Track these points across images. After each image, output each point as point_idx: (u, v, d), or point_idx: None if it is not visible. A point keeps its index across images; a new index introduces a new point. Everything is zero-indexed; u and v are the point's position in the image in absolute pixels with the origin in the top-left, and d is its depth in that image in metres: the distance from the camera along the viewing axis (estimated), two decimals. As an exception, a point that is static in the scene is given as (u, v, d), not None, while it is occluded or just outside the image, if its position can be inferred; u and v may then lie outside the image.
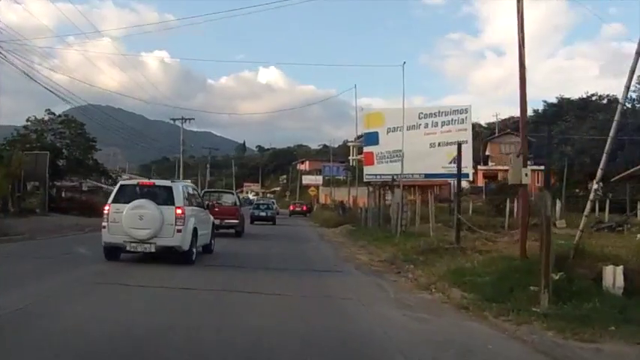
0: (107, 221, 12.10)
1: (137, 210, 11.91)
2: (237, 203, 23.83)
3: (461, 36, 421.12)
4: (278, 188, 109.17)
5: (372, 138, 29.74)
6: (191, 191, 14.25)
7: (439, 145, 29.17)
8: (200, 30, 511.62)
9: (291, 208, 57.62)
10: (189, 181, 78.74)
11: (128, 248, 12.07)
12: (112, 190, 13.75)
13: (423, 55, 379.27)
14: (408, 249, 14.16)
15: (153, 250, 11.97)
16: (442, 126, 29.28)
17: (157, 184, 13.34)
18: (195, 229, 12.83)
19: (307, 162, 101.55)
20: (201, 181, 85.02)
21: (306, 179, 76.39)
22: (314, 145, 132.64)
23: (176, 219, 12.04)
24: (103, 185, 53.77)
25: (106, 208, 12.36)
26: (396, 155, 29.44)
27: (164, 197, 12.35)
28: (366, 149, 30.18)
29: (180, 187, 13.05)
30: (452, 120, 29.40)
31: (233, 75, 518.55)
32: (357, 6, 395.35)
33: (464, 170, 29.54)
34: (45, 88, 29.00)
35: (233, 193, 28.36)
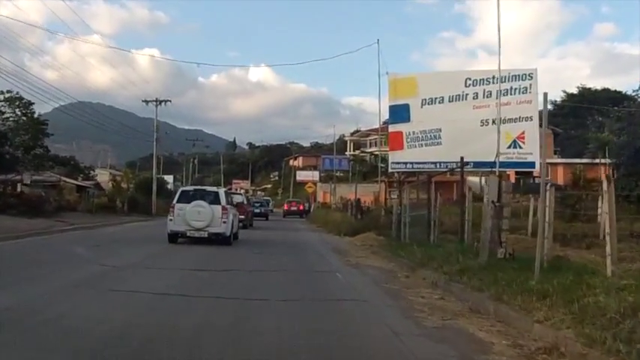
0: (173, 215, 16.19)
1: (196, 207, 16.00)
2: (245, 202, 28.22)
3: (453, 35, 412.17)
4: (269, 185, 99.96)
5: (400, 112, 20.91)
6: (227, 195, 18.98)
7: (494, 122, 20.41)
8: (191, 27, 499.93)
9: (286, 207, 47.58)
10: (172, 176, 68.96)
11: (188, 234, 16.06)
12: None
13: (415, 54, 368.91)
14: (622, 323, 5.27)
15: (205, 235, 15.94)
16: (498, 97, 20.50)
17: (207, 189, 18.28)
18: (233, 221, 17.11)
19: (300, 158, 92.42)
20: (187, 176, 76.06)
21: (301, 175, 66.94)
22: (306, 143, 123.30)
23: (222, 214, 16.16)
24: (69, 180, 44.71)
25: (172, 206, 16.53)
26: (434, 137, 20.75)
27: (212, 198, 16.56)
28: (392, 128, 21.29)
29: (223, 192, 18.27)
30: (511, 89, 20.63)
31: (224, 73, 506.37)
32: (349, 3, 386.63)
33: (529, 158, 20.98)
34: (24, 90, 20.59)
35: (242, 194, 34.44)
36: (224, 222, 16.00)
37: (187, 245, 15.63)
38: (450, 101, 20.64)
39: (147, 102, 41.34)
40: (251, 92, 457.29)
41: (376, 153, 29.97)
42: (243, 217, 23.67)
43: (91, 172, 53.33)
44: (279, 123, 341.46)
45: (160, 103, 41.07)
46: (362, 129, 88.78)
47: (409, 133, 20.61)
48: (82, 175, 48.25)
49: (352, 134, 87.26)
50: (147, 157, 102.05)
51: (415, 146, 20.57)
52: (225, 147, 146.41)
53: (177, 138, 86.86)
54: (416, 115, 20.61)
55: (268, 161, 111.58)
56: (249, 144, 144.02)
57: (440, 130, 20.52)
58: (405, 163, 20.74)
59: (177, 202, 16.39)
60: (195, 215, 15.78)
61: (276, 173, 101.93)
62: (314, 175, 61.49)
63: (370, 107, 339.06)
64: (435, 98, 20.66)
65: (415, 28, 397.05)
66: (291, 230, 27.07)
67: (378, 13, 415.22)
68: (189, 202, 16.10)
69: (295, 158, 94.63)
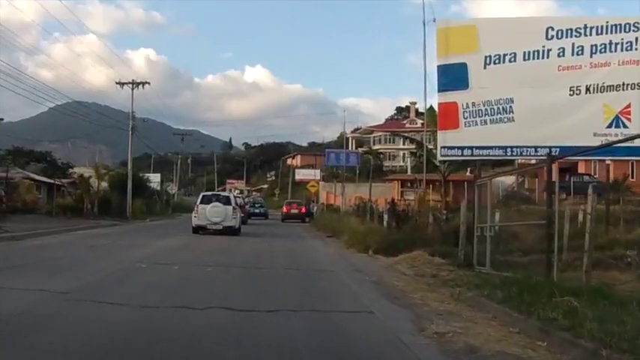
0: (197, 213, 21.29)
1: (214, 207, 20.88)
2: (244, 203, 35.61)
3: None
4: (265, 186, 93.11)
5: (453, 75, 14.36)
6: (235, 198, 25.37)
7: (588, 90, 13.97)
8: (187, 28, 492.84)
9: (285, 209, 40.29)
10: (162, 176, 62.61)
11: (208, 227, 20.82)
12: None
13: (411, 55, 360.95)
14: None
15: (220, 228, 20.68)
16: (593, 54, 14.07)
17: (221, 194, 24.79)
18: (240, 218, 22.51)
19: (299, 156, 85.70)
20: (176, 175, 69.45)
21: (300, 174, 60.09)
22: (303, 143, 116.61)
23: (233, 212, 21.22)
24: (35, 176, 38.12)
25: (196, 206, 21.74)
26: (503, 110, 14.26)
27: (225, 200, 21.82)
28: (442, 97, 14.67)
29: (233, 195, 25.61)
30: (611, 43, 14.09)
31: (220, 74, 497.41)
32: (345, 4, 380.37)
33: (636, 142, 14.25)
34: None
35: (241, 197, 41.48)
36: (234, 218, 21.18)
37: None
38: (525, 59, 14.17)
39: (122, 84, 34.62)
40: (247, 93, 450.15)
41: (421, 142, 22.94)
42: (243, 215, 28.60)
43: (70, 169, 47.08)
44: (275, 124, 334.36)
45: (137, 86, 34.30)
46: (362, 126, 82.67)
47: (467, 104, 14.10)
48: (58, 173, 42.04)
49: (353, 131, 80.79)
50: (141, 156, 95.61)
51: (476, 123, 14.06)
52: (221, 147, 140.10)
53: (173, 139, 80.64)
54: (476, 80, 14.12)
55: (265, 160, 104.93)
56: (245, 144, 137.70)
57: (511, 100, 14.05)
58: (462, 148, 14.18)
59: (200, 203, 21.56)
60: (213, 213, 20.72)
61: (273, 173, 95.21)
62: (315, 173, 54.69)
63: (366, 109, 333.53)
64: (504, 55, 14.15)
65: (411, 29, 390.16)
66: (296, 241, 20.56)
67: (374, 14, 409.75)
68: (208, 203, 21.16)
69: (293, 157, 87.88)
